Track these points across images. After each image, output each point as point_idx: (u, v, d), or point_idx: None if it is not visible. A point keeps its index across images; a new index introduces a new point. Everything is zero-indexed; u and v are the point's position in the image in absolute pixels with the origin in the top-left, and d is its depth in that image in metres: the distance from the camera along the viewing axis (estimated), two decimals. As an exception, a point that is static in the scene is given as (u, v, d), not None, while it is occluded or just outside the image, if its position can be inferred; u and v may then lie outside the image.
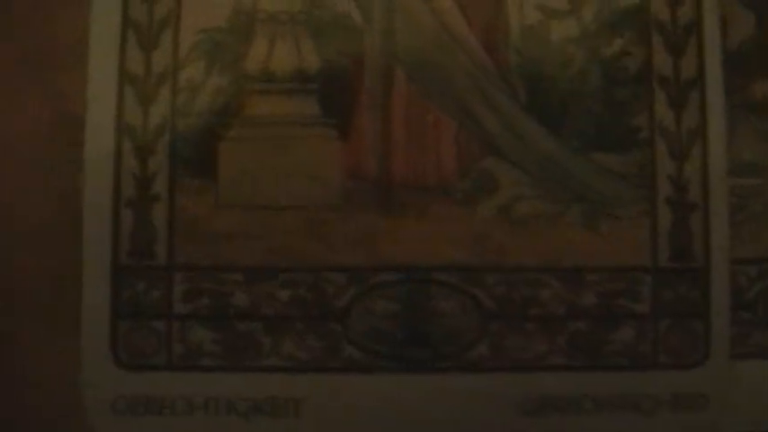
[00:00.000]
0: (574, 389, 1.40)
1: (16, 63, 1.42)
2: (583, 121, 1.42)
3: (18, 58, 1.42)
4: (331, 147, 1.40)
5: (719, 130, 1.43)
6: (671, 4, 1.45)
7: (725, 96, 1.44)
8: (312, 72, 1.41)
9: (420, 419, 1.39)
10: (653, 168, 1.42)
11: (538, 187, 1.41)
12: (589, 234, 1.40)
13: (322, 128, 1.40)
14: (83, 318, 1.38)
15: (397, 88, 1.41)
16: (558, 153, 1.41)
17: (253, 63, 1.41)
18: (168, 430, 1.38)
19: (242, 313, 1.38)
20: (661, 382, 1.41)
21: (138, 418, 1.38)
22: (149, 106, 1.40)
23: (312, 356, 1.39)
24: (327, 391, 1.39)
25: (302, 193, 1.39)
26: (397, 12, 1.42)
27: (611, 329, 1.40)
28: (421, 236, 1.39)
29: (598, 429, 1.39)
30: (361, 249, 1.38)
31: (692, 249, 1.41)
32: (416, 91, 1.42)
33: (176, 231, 1.38)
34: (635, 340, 1.40)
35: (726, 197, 1.42)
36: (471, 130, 1.42)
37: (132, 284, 1.38)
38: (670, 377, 1.41)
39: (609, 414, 1.40)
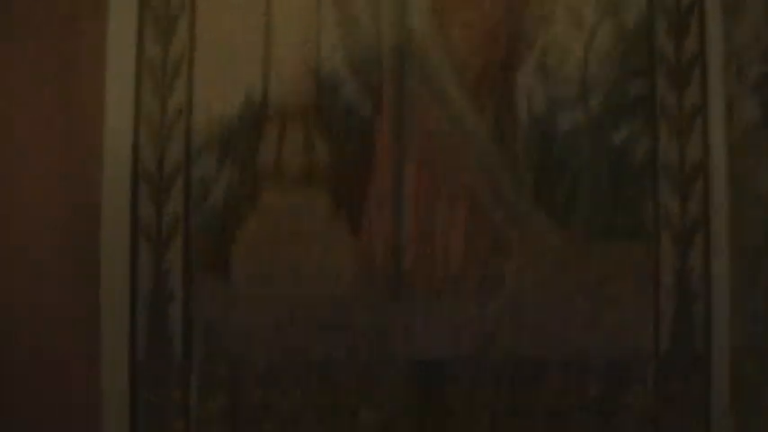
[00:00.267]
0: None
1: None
2: (589, 212, 1.44)
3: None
4: (342, 241, 1.42)
5: (723, 221, 1.46)
6: (677, 88, 1.47)
7: (729, 185, 1.47)
8: (323, 166, 1.43)
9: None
10: (656, 258, 1.45)
11: (543, 281, 1.44)
12: (593, 325, 1.44)
13: (334, 222, 1.42)
14: (103, 409, 1.41)
15: (408, 182, 1.43)
16: (564, 245, 1.44)
17: (264, 156, 1.43)
18: None
19: (257, 411, 1.41)
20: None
21: None
22: (163, 203, 1.42)
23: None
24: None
25: (314, 287, 1.42)
26: (407, 103, 1.44)
27: (616, 420, 1.44)
28: (430, 330, 1.42)
29: None
30: (371, 343, 1.42)
31: (693, 337, 1.45)
32: (426, 185, 1.44)
33: (192, 328, 1.41)
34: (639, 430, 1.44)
35: (728, 287, 1.46)
36: (481, 223, 1.44)
37: (149, 381, 1.41)
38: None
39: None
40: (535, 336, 1.42)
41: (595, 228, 1.44)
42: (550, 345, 1.42)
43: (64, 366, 1.41)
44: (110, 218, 1.41)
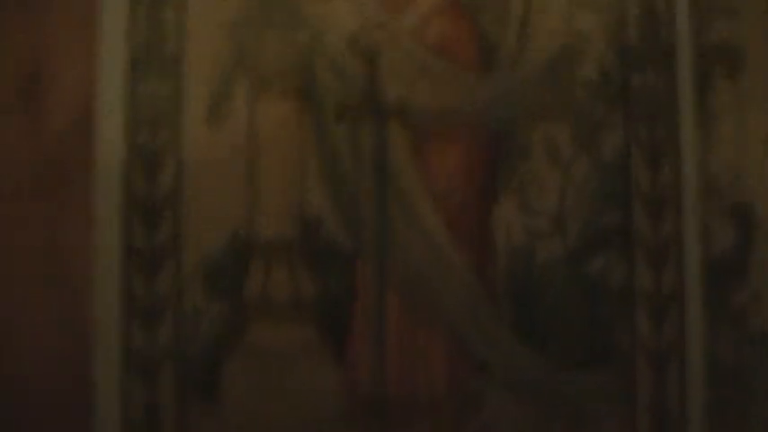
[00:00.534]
0: None
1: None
2: (566, 340, 1.49)
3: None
4: (328, 370, 1.48)
5: (697, 342, 1.50)
6: (653, 218, 1.51)
7: (704, 308, 1.51)
8: (308, 299, 1.48)
9: None
10: (633, 381, 1.49)
11: (522, 405, 1.49)
12: (572, 449, 1.49)
13: (319, 351, 1.48)
14: None
15: (390, 313, 1.48)
16: (543, 372, 1.48)
17: (251, 290, 1.49)
18: None
19: None
20: None
21: None
22: (154, 330, 1.48)
23: None
24: None
25: (301, 413, 1.47)
26: (388, 237, 1.49)
27: None
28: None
29: None
30: (357, 469, 1.48)
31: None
32: (408, 314, 1.49)
33: (183, 457, 1.47)
34: None
35: (702, 406, 1.50)
36: (460, 350, 1.49)
37: None
38: None
39: None
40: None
41: (572, 353, 1.48)
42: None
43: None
44: (102, 346, 1.47)
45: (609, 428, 1.49)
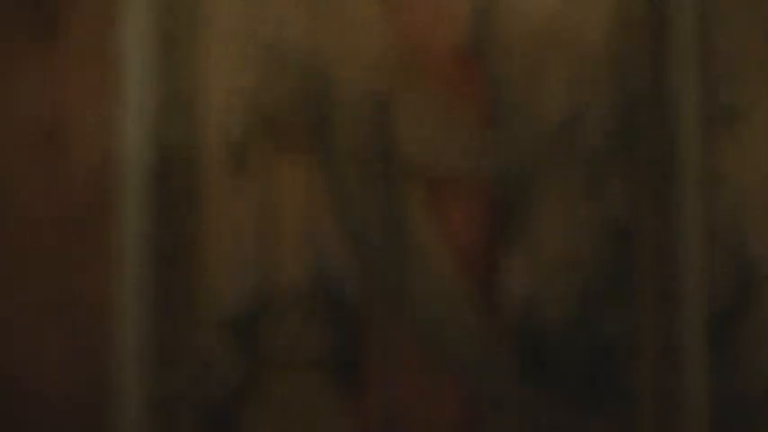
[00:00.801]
0: None
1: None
2: (572, 384, 1.53)
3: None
4: (338, 418, 1.51)
5: (699, 387, 1.55)
6: (655, 268, 1.56)
7: (705, 356, 1.56)
8: (322, 349, 1.52)
9: None
10: (637, 426, 1.54)
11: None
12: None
13: (333, 401, 1.51)
14: None
15: (403, 362, 1.53)
16: (549, 416, 1.52)
17: (267, 339, 1.53)
18: None
19: None
20: None
21: None
22: (172, 379, 1.52)
23: None
24: None
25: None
26: (400, 292, 1.54)
27: None
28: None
29: None
30: None
31: None
32: (420, 363, 1.53)
33: None
34: None
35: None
36: (471, 396, 1.53)
37: None
38: None
39: None
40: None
41: (578, 397, 1.53)
42: None
43: None
44: (121, 393, 1.50)
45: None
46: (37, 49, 1.58)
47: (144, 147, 1.52)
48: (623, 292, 1.55)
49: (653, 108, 1.57)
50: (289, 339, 1.53)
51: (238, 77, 1.54)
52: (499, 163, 1.56)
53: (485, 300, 1.54)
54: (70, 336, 1.52)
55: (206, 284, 1.53)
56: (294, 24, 1.56)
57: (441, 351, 1.53)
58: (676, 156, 1.57)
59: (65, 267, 1.54)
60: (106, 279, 1.53)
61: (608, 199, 1.56)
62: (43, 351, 1.52)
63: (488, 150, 1.56)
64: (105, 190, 1.54)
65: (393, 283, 1.53)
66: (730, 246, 1.56)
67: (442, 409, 1.53)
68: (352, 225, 1.54)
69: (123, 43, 1.54)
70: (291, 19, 1.56)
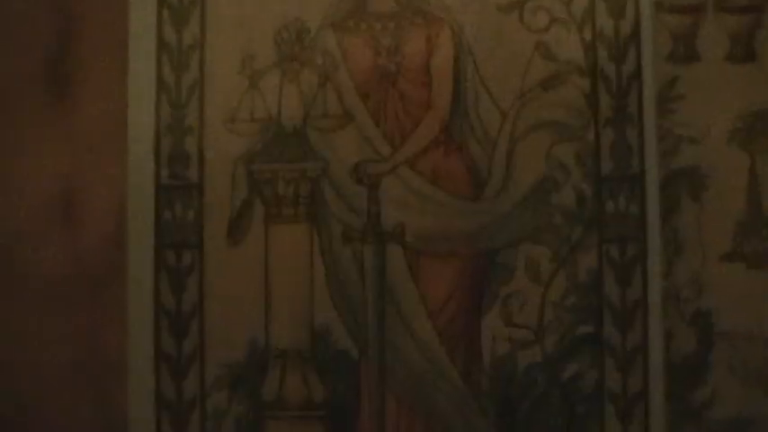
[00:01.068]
0: None
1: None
2: (549, 435, 1.69)
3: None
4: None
5: (662, 438, 1.71)
6: (621, 329, 1.70)
7: (666, 406, 1.70)
8: (318, 400, 1.69)
9: None
10: (604, 472, 1.71)
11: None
12: None
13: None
14: None
15: (389, 413, 1.69)
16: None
17: (268, 393, 1.69)
18: None
19: None
20: None
21: None
22: (182, 429, 1.69)
23: None
24: None
25: (312, 499, 1.69)
26: (387, 350, 1.69)
27: None
28: None
29: None
30: None
31: None
32: (405, 414, 1.69)
33: None
34: None
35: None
36: (452, 449, 1.70)
37: None
38: None
39: None
40: None
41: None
42: None
43: None
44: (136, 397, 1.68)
45: None
46: (51, 118, 1.71)
47: (150, 224, 1.67)
48: (592, 349, 1.69)
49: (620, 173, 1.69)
50: (288, 391, 1.69)
51: (237, 157, 1.69)
52: (479, 233, 1.69)
53: (462, 356, 1.69)
54: (85, 392, 1.69)
55: (212, 343, 1.69)
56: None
57: (423, 402, 1.69)
58: (642, 219, 1.69)
59: (80, 330, 1.70)
60: (121, 340, 1.69)
61: (578, 265, 1.69)
62: (61, 406, 1.69)
63: (468, 221, 1.69)
64: (118, 259, 1.69)
65: (380, 340, 1.69)
66: (690, 301, 1.70)
67: (424, 456, 1.71)
68: (342, 287, 1.70)
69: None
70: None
